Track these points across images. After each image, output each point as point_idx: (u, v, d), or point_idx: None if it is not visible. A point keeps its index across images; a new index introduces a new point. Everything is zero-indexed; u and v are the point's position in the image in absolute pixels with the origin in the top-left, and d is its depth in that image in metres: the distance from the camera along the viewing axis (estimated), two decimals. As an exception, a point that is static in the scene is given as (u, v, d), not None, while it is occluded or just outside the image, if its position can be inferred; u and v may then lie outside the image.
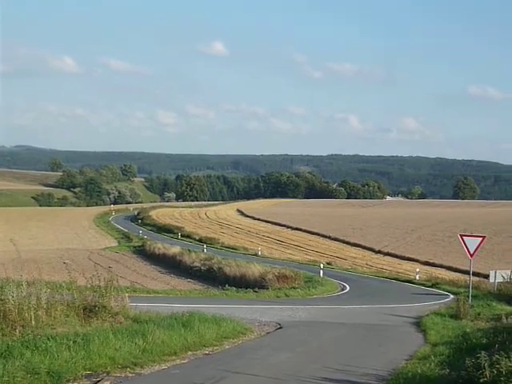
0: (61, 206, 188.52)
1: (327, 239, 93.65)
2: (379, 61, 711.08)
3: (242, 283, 44.92)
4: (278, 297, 36.18)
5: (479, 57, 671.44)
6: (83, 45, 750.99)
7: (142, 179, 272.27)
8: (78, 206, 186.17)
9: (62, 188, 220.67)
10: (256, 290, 38.82)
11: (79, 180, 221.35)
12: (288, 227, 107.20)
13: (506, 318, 19.97)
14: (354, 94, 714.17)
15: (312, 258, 73.75)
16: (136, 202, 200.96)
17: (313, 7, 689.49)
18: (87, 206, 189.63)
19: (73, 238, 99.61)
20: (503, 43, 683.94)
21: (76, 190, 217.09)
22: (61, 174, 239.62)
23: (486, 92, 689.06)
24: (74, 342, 13.51)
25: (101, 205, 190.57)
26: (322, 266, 55.80)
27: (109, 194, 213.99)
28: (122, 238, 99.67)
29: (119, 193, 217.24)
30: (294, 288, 40.41)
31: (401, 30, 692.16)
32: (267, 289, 40.27)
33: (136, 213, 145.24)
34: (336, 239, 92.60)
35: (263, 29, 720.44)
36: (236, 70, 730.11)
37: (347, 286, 45.33)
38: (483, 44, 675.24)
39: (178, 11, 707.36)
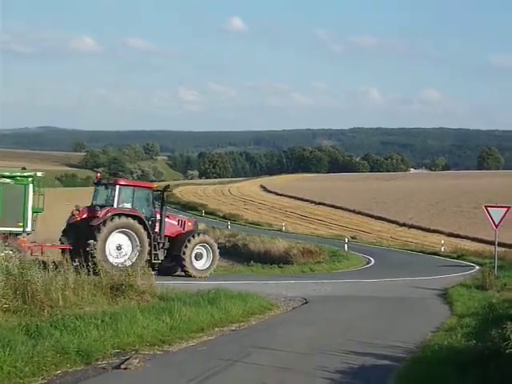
0: (84, 186, 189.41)
1: (351, 213, 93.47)
2: (399, 33, 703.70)
3: (267, 259, 44.99)
4: (303, 272, 36.20)
5: (499, 26, 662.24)
6: (105, 25, 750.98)
7: (165, 157, 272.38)
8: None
9: (86, 168, 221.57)
10: (281, 265, 38.87)
11: (102, 160, 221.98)
12: (311, 202, 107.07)
13: (533, 288, 19.90)
14: (375, 66, 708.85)
15: (336, 232, 73.73)
16: (159, 181, 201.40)
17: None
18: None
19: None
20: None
21: (99, 169, 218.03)
22: (84, 154, 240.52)
23: (507, 61, 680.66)
24: (102, 321, 13.66)
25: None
26: (346, 240, 55.77)
27: (132, 173, 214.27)
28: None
29: (142, 172, 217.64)
30: (318, 263, 40.39)
31: (421, 1, 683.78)
32: (292, 264, 40.30)
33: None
34: (360, 213, 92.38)
35: (280, 3, 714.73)
36: (255, 46, 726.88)
37: (372, 260, 45.26)
38: (502, 13, 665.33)
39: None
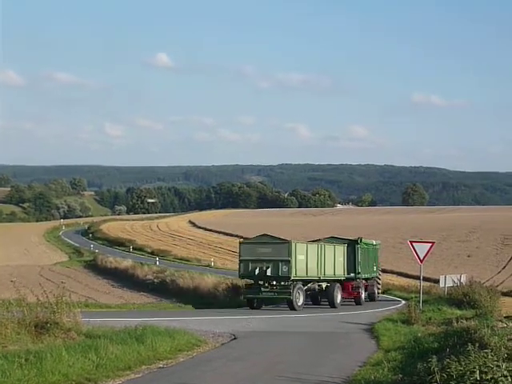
0: (9, 221, 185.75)
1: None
2: (325, 71, 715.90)
3: (196, 295, 44.79)
4: (231, 307, 36.14)
5: (421, 65, 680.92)
6: (28, 57, 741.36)
7: (92, 193, 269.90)
8: (28, 222, 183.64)
9: (11, 203, 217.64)
10: (210, 301, 38.71)
11: (28, 195, 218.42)
12: (240, 237, 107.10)
13: (457, 322, 20.28)
14: (302, 103, 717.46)
15: (265, 267, 73.82)
16: (86, 216, 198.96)
17: (255, 18, 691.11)
18: (37, 221, 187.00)
19: (23, 253, 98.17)
20: (444, 52, 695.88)
21: (25, 205, 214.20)
22: (9, 189, 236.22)
23: (429, 99, 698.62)
24: (26, 359, 13.37)
25: (50, 220, 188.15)
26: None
27: (58, 208, 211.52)
28: (73, 253, 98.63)
29: (69, 207, 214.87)
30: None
31: (345, 40, 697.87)
32: (221, 300, 40.21)
33: (87, 227, 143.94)
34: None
35: (207, 40, 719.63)
36: (182, 81, 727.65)
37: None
38: (422, 53, 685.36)
39: (119, 23, 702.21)
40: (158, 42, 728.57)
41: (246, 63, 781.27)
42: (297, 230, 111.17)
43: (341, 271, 38.22)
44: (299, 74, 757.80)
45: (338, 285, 37.56)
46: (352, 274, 39.72)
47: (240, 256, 34.74)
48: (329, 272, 37.00)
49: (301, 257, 34.18)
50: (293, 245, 33.89)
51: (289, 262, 33.04)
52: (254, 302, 34.51)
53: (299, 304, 33.94)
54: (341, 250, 38.81)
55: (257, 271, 33.18)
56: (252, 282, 34.40)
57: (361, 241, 41.14)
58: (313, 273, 35.62)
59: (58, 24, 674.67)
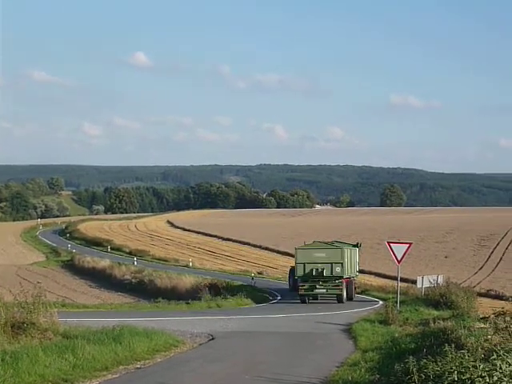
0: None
1: (258, 249, 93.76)
2: (302, 71, 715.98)
3: (174, 295, 44.71)
4: (210, 307, 36.14)
5: (399, 67, 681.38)
6: (3, 56, 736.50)
7: (70, 192, 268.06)
8: (4, 221, 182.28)
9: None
10: (188, 301, 38.65)
11: (5, 194, 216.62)
12: (219, 238, 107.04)
13: (434, 323, 20.38)
14: (279, 104, 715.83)
15: (243, 267, 73.75)
16: (64, 216, 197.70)
17: (232, 18, 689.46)
18: (13, 220, 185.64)
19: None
20: (422, 53, 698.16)
21: (2, 204, 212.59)
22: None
23: (406, 100, 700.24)
24: (2, 360, 13.29)
25: (27, 219, 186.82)
26: (253, 275, 55.95)
27: (35, 208, 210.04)
28: (51, 253, 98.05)
29: (46, 207, 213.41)
30: (225, 298, 40.39)
31: (322, 41, 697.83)
32: (199, 300, 40.16)
33: (64, 226, 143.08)
34: (267, 248, 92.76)
35: (184, 40, 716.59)
36: (160, 80, 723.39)
37: (278, 295, 45.52)
38: (399, 54, 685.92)
39: (97, 22, 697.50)
40: (135, 41, 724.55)
41: (223, 63, 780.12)
42: (276, 231, 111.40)
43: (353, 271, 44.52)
44: (276, 75, 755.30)
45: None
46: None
47: (296, 260, 40.37)
48: (351, 271, 43.16)
49: (347, 260, 40.93)
50: (344, 250, 41.02)
51: (342, 264, 39.64)
52: (307, 299, 40.24)
53: (345, 297, 40.37)
54: (354, 253, 45.02)
55: (314, 272, 39.28)
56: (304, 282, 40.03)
57: (361, 245, 47.04)
58: (350, 272, 42.14)
59: (35, 22, 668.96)
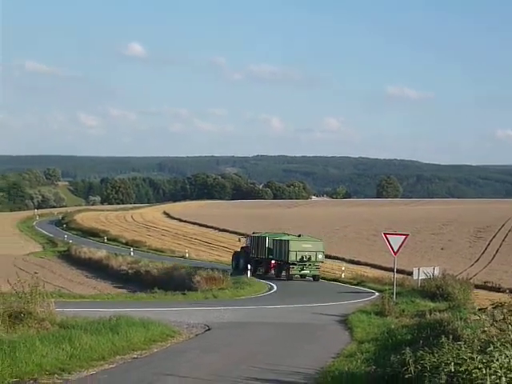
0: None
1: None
2: (298, 63, 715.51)
3: (170, 285, 44.72)
4: (206, 298, 36.18)
5: (395, 58, 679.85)
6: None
7: (66, 183, 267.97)
8: (1, 212, 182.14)
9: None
10: (184, 292, 38.69)
11: (1, 185, 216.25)
12: (215, 229, 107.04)
13: (430, 314, 20.42)
14: (275, 95, 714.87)
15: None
16: (60, 206, 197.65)
17: (228, 9, 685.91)
18: (10, 211, 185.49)
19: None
20: (419, 45, 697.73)
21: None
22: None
23: (403, 92, 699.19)
24: (0, 349, 13.28)
25: (24, 210, 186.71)
26: (249, 266, 55.89)
27: (32, 198, 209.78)
28: (47, 243, 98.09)
29: (43, 197, 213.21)
30: (222, 289, 40.45)
31: (318, 32, 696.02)
32: (195, 290, 40.21)
33: (61, 217, 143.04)
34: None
35: (180, 31, 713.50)
36: (156, 71, 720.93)
37: (274, 286, 45.59)
38: (396, 45, 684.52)
39: (92, 12, 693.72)
40: (130, 31, 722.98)
41: (219, 55, 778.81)
42: (271, 222, 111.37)
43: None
44: (272, 66, 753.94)
45: None
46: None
47: (290, 248, 50.25)
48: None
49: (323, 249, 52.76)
50: (323, 242, 53.78)
51: (323, 252, 51.86)
52: (293, 277, 50.80)
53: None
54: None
55: (304, 258, 50.16)
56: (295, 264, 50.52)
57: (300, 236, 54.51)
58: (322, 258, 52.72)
59: (30, 13, 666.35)
